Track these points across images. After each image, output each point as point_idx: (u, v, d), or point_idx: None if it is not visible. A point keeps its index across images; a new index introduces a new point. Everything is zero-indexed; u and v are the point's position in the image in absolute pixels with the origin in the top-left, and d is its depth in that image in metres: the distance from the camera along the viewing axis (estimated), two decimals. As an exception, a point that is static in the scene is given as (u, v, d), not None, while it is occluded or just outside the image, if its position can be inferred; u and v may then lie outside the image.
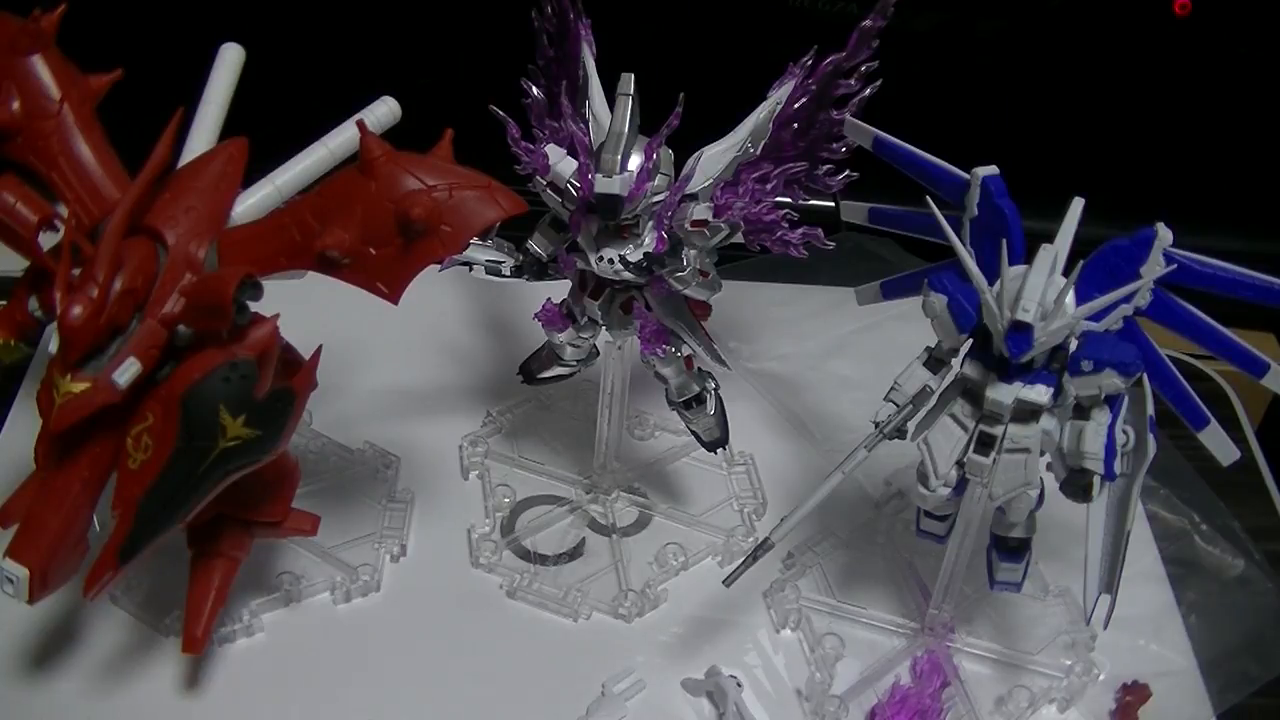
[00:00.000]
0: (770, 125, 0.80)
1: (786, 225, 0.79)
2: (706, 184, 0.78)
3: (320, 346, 0.72)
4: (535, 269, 0.83)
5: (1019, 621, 0.87)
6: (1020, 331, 0.65)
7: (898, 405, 0.73)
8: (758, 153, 0.80)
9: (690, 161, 0.77)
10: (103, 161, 0.72)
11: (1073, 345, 0.69)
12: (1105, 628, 0.73)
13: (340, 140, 0.76)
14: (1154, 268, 0.71)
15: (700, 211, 0.76)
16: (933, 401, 0.74)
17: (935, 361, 0.74)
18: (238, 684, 0.80)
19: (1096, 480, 0.70)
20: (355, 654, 0.82)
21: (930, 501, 0.73)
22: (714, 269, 0.81)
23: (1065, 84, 1.32)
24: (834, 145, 0.82)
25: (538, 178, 0.77)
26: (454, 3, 1.27)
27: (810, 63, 0.80)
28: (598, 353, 0.87)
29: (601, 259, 0.76)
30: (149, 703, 0.78)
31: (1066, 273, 0.67)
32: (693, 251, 0.77)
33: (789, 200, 0.82)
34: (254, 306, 0.67)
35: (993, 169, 0.74)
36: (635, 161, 0.73)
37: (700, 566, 0.90)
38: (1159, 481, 0.98)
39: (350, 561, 0.86)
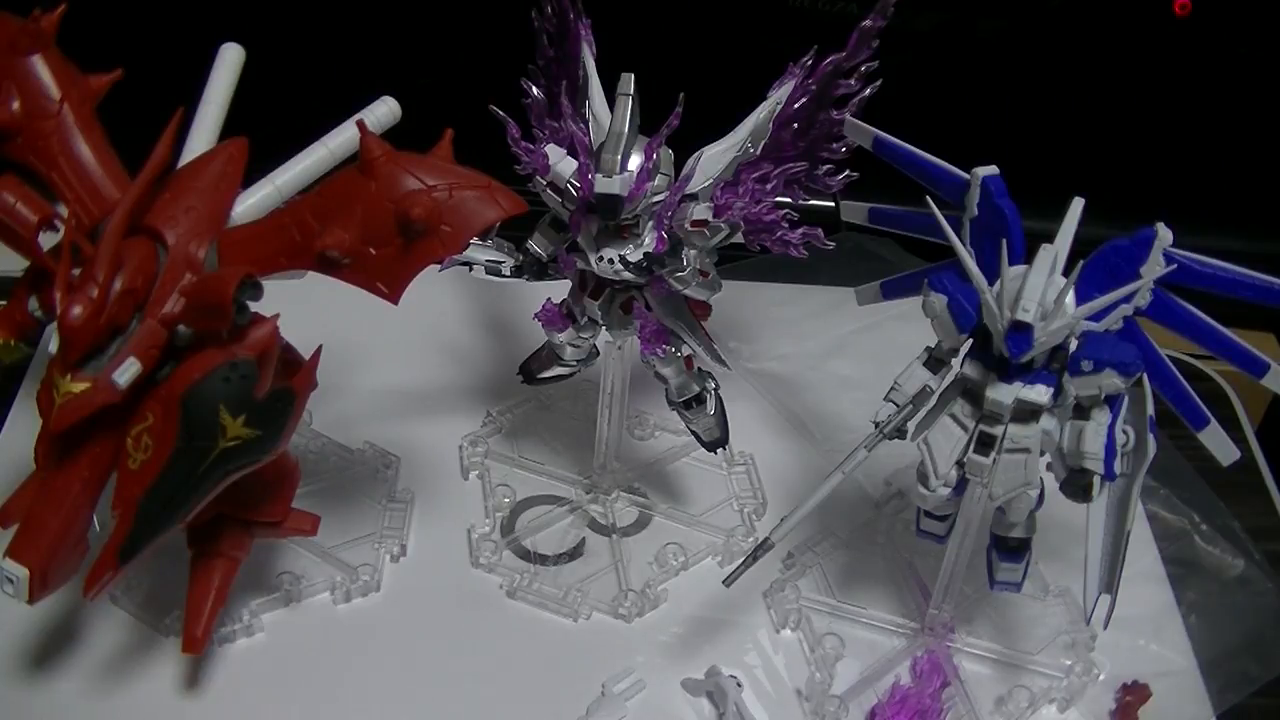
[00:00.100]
0: (770, 125, 0.80)
1: (786, 225, 0.79)
2: (706, 184, 0.78)
3: (320, 346, 0.72)
4: (535, 269, 0.83)
5: (1019, 621, 0.87)
6: (1020, 331, 0.65)
7: (898, 405, 0.73)
8: (758, 153, 0.80)
9: (690, 161, 0.77)
10: (103, 161, 0.72)
11: (1073, 345, 0.69)
12: (1105, 628, 0.73)
13: (340, 140, 0.76)
14: (1154, 268, 0.71)
15: (700, 211, 0.76)
16: (933, 401, 0.74)
17: (935, 361, 0.74)
18: (238, 684, 0.80)
19: (1096, 480, 0.70)
20: (355, 654, 0.82)
21: (930, 501, 0.73)
22: (714, 269, 0.81)
23: (1065, 84, 1.32)
24: (834, 145, 0.82)
25: (538, 178, 0.77)
26: (454, 3, 1.27)
27: (810, 63, 0.80)
28: (598, 353, 0.87)
29: (601, 259, 0.76)
30: (149, 703, 0.78)
31: (1066, 273, 0.67)
32: (693, 251, 0.77)
33: (789, 200, 0.82)
34: (254, 306, 0.67)
35: (993, 169, 0.74)
36: (635, 161, 0.73)
37: (700, 566, 0.90)
38: (1159, 481, 0.98)
39: (350, 561, 0.86)
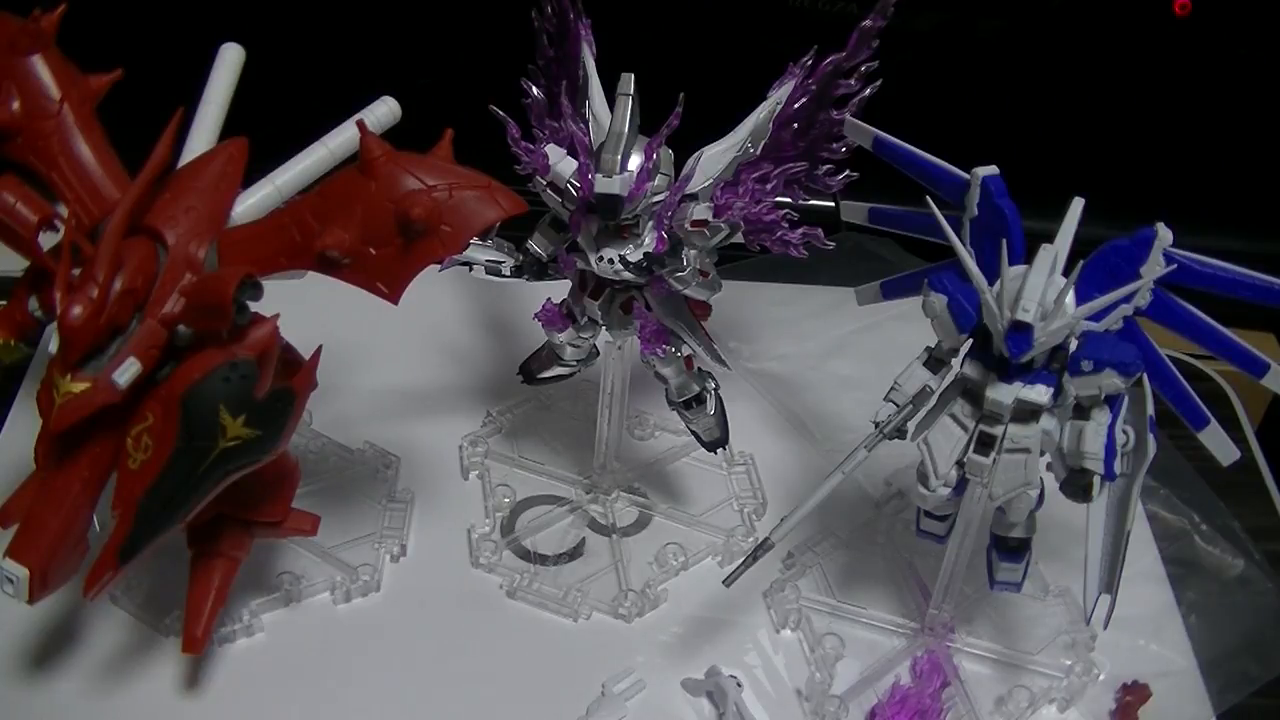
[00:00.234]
0: (770, 125, 0.80)
1: (786, 225, 0.79)
2: (706, 184, 0.78)
3: (320, 346, 0.72)
4: (535, 269, 0.83)
5: (1019, 621, 0.87)
6: (1020, 331, 0.65)
7: (898, 405, 0.73)
8: (758, 153, 0.80)
9: (690, 161, 0.77)
10: (103, 161, 0.72)
11: (1073, 345, 0.69)
12: (1105, 628, 0.73)
13: (340, 140, 0.76)
14: (1154, 268, 0.71)
15: (700, 211, 0.76)
16: (933, 401, 0.74)
17: (935, 361, 0.74)
18: (238, 684, 0.80)
19: (1096, 480, 0.70)
20: (355, 654, 0.82)
21: (930, 501, 0.73)
22: (714, 269, 0.81)
23: (1065, 84, 1.32)
24: (834, 145, 0.82)
25: (538, 178, 0.77)
26: (454, 3, 1.27)
27: (810, 63, 0.80)
28: (598, 353, 0.87)
29: (601, 259, 0.76)
30: (149, 703, 0.78)
31: (1066, 273, 0.67)
32: (693, 251, 0.77)
33: (789, 200, 0.82)
34: (254, 306, 0.67)
35: (993, 169, 0.74)
36: (635, 161, 0.73)
37: (700, 566, 0.90)
38: (1159, 481, 0.98)
39: (350, 561, 0.86)
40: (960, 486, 0.73)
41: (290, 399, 0.69)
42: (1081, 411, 0.70)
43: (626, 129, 0.73)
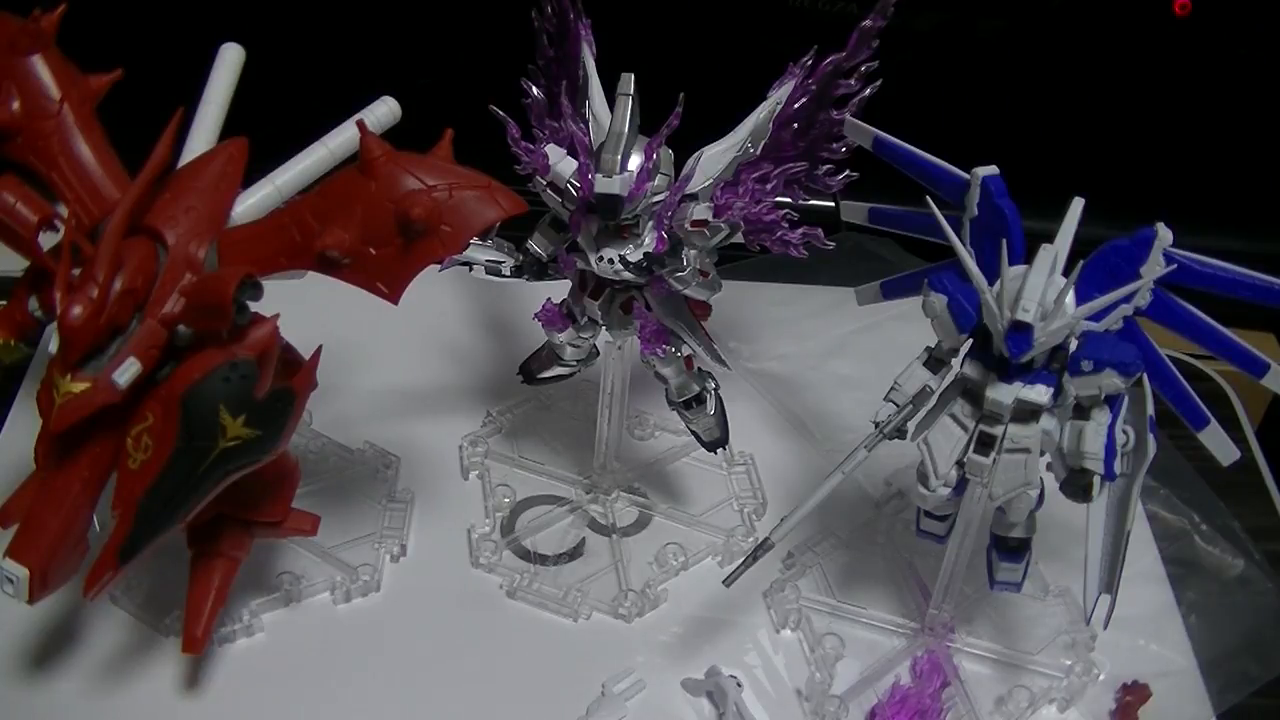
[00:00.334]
0: (770, 125, 0.80)
1: (786, 225, 0.79)
2: (706, 184, 0.78)
3: (320, 346, 0.72)
4: (535, 269, 0.83)
5: (1019, 621, 0.87)
6: (1020, 331, 0.65)
7: (898, 405, 0.73)
8: (758, 153, 0.80)
9: (690, 161, 0.77)
10: (103, 161, 0.72)
11: (1073, 345, 0.69)
12: (1105, 628, 0.73)
13: (340, 140, 0.76)
14: (1154, 268, 0.71)
15: (700, 211, 0.76)
16: (933, 401, 0.74)
17: (935, 361, 0.74)
18: (238, 684, 0.80)
19: (1096, 480, 0.70)
20: (355, 654, 0.82)
21: (930, 501, 0.73)
22: (714, 269, 0.81)
23: (1065, 84, 1.32)
24: (834, 145, 0.82)
25: (538, 178, 0.77)
26: (454, 3, 1.27)
27: (810, 63, 0.80)
28: (598, 353, 0.87)
29: (601, 259, 0.76)
30: (149, 703, 0.78)
31: (1066, 273, 0.67)
32: (693, 251, 0.77)
33: (789, 200, 0.82)
34: (254, 306, 0.67)
35: (993, 169, 0.74)
36: (635, 161, 0.73)
37: (700, 566, 0.90)
38: (1159, 481, 0.98)
39: (350, 561, 0.86)
40: (960, 486, 0.73)
41: (290, 399, 0.69)
42: (1081, 411, 0.70)
43: (626, 129, 0.73)
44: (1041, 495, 0.74)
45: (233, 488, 0.69)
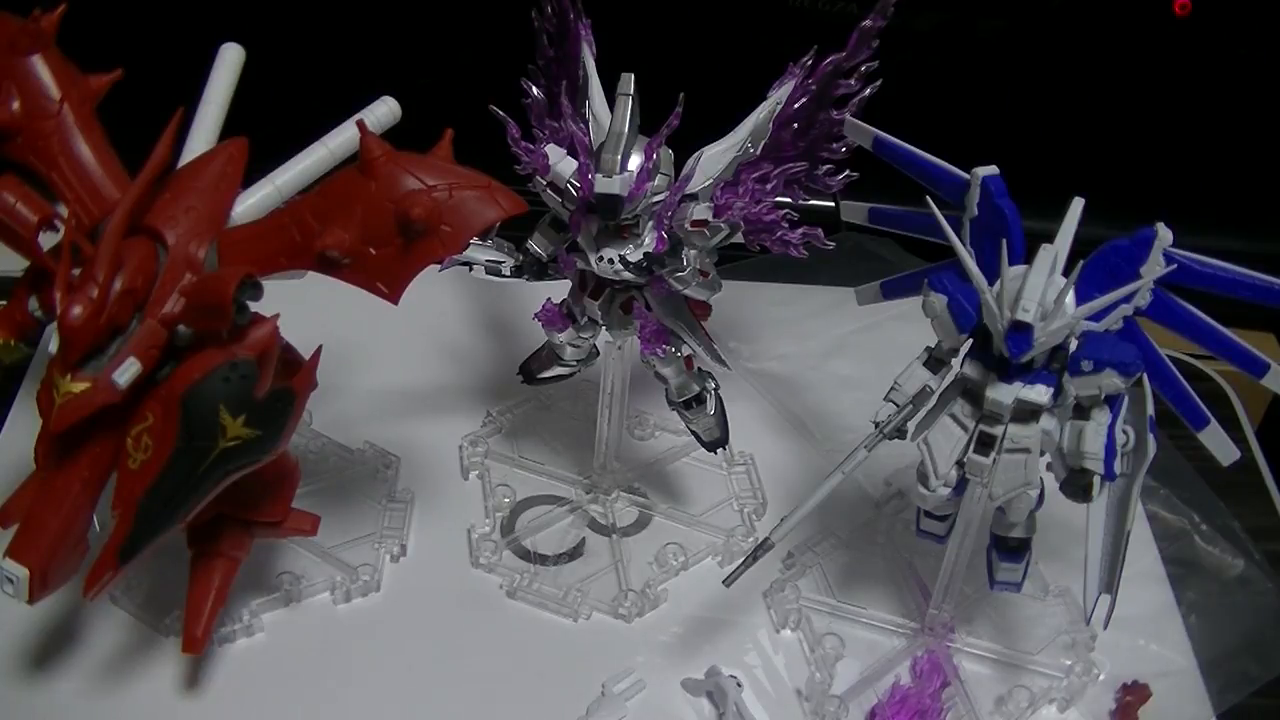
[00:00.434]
0: (770, 125, 0.80)
1: (786, 225, 0.79)
2: (706, 184, 0.78)
3: (320, 346, 0.72)
4: (535, 269, 0.83)
5: (1019, 621, 0.87)
6: (1020, 331, 0.65)
7: (898, 405, 0.73)
8: (758, 153, 0.80)
9: (690, 161, 0.77)
10: (103, 161, 0.72)
11: (1073, 345, 0.69)
12: (1105, 628, 0.73)
13: (340, 140, 0.76)
14: (1154, 268, 0.71)
15: (700, 211, 0.76)
16: (933, 401, 0.74)
17: (935, 361, 0.74)
18: (238, 684, 0.80)
19: (1096, 480, 0.70)
20: (355, 654, 0.82)
21: (930, 501, 0.73)
22: (714, 269, 0.81)
23: (1065, 84, 1.32)
24: (834, 145, 0.82)
25: (538, 178, 0.77)
26: (454, 3, 1.27)
27: (810, 63, 0.80)
28: (598, 353, 0.87)
29: (601, 259, 0.76)
30: (149, 703, 0.78)
31: (1066, 273, 0.67)
32: (693, 251, 0.77)
33: (789, 200, 0.82)
34: (254, 306, 0.67)
35: (993, 169, 0.74)
36: (635, 161, 0.73)
37: (700, 566, 0.90)
38: (1159, 481, 0.98)
39: (350, 561, 0.86)
40: (960, 486, 0.73)
41: (290, 399, 0.69)
42: (1081, 411, 0.70)
43: (626, 129, 0.73)
44: (1041, 495, 0.74)
45: (233, 488, 0.69)
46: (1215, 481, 0.98)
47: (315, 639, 0.83)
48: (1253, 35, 1.29)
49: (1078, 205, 0.72)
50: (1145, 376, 0.73)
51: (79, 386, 0.64)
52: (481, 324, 1.09)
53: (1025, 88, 1.32)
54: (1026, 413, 0.69)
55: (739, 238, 0.79)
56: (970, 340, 0.71)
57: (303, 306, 0.73)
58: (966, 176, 0.75)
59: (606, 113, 0.77)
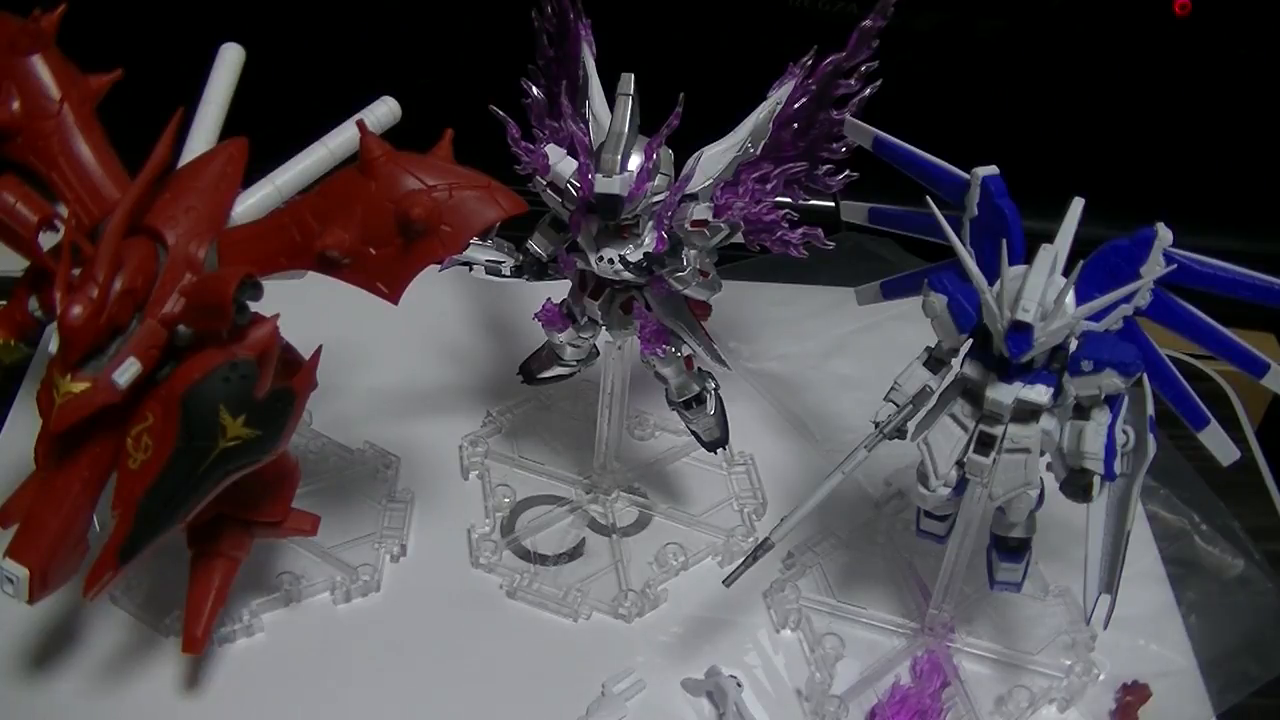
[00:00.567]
0: (770, 125, 0.80)
1: (786, 225, 0.79)
2: (706, 184, 0.78)
3: (320, 346, 0.72)
4: (535, 269, 0.83)
5: (1019, 621, 0.87)
6: (1020, 331, 0.65)
7: (898, 405, 0.73)
8: (758, 153, 0.80)
9: (690, 161, 0.77)
10: (103, 161, 0.72)
11: (1073, 345, 0.69)
12: (1105, 628, 0.73)
13: (340, 140, 0.76)
14: (1154, 268, 0.72)
15: (700, 211, 0.76)
16: (933, 401, 0.74)
17: (935, 361, 0.74)
18: (238, 684, 0.80)
19: (1096, 480, 0.70)
20: (355, 654, 0.82)
21: (930, 501, 0.73)
22: (714, 269, 0.81)
23: (1065, 84, 1.32)
24: (834, 145, 0.82)
25: (538, 178, 0.77)
26: (454, 3, 1.27)
27: (810, 63, 0.80)
28: (598, 353, 0.87)
29: (601, 259, 0.76)
30: (149, 703, 0.78)
31: (1066, 273, 0.67)
32: (693, 251, 0.77)
33: (789, 200, 0.83)
34: (254, 306, 0.67)
35: (993, 169, 0.74)
36: (635, 161, 0.73)
37: (700, 566, 0.90)
38: (1159, 481, 0.98)
39: (350, 561, 0.86)
40: (960, 486, 0.73)
41: (290, 399, 0.69)
42: (1081, 411, 0.70)
43: (626, 129, 0.73)
44: (1041, 495, 0.74)
45: (233, 488, 0.69)
46: (1215, 481, 0.98)
47: (315, 639, 0.83)
48: (1253, 35, 1.29)
49: (1078, 205, 0.72)
50: (1145, 376, 0.73)
51: (79, 386, 0.64)
52: (481, 324, 1.09)
53: (1025, 88, 1.32)
54: (1026, 413, 0.69)
55: (739, 238, 0.79)
56: (970, 340, 0.71)
57: (303, 306, 0.73)
58: (966, 176, 0.74)
59: (606, 113, 0.77)
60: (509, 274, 0.83)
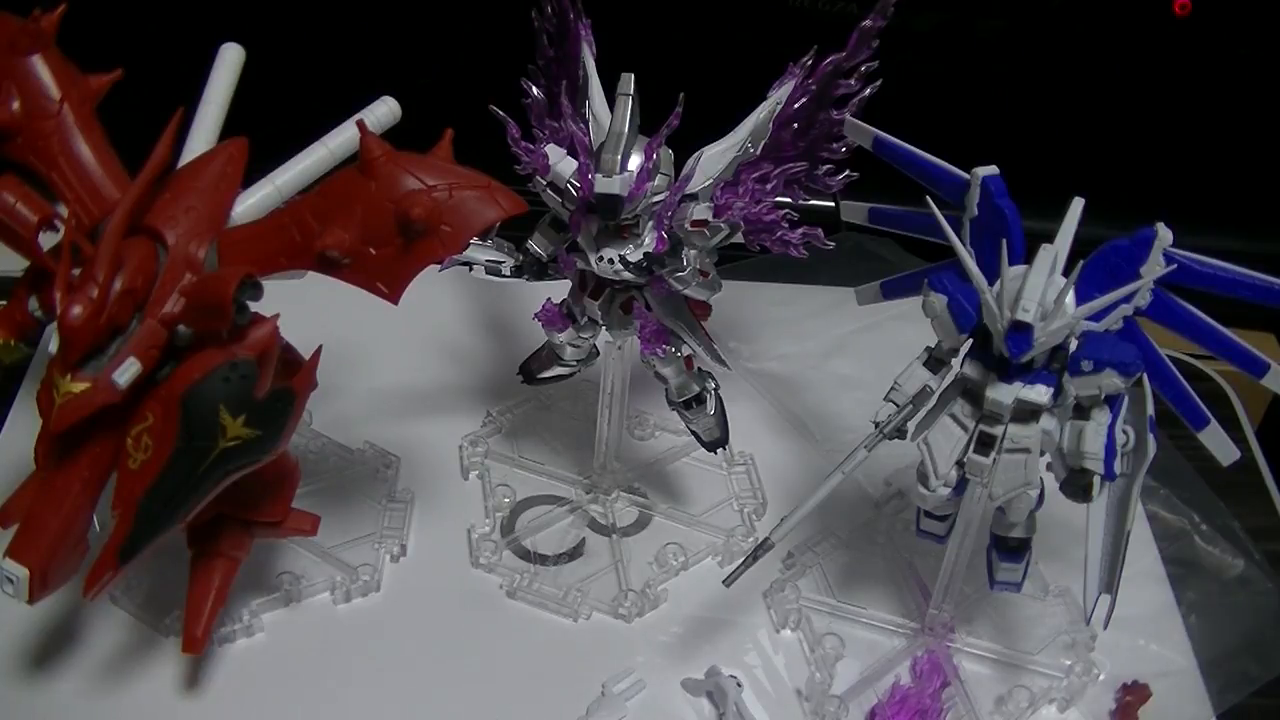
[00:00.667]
0: (770, 125, 0.80)
1: (786, 225, 0.79)
2: (706, 184, 0.78)
3: (320, 346, 0.72)
4: (535, 269, 0.83)
5: (1019, 621, 0.87)
6: (1020, 331, 0.65)
7: (898, 405, 0.73)
8: (758, 153, 0.80)
9: (690, 161, 0.77)
10: (103, 161, 0.72)
11: (1073, 345, 0.69)
12: (1105, 628, 0.73)
13: (340, 140, 0.76)
14: (1154, 268, 0.72)
15: (700, 211, 0.76)
16: (933, 401, 0.74)
17: (935, 361, 0.74)
18: (238, 684, 0.80)
19: (1096, 480, 0.70)
20: (355, 654, 0.82)
21: (930, 501, 0.73)
22: (714, 269, 0.81)
23: (1065, 84, 1.32)
24: (834, 145, 0.82)
25: (538, 178, 0.77)
26: (454, 3, 1.27)
27: (810, 63, 0.80)
28: (598, 353, 0.87)
29: (601, 259, 0.76)
30: (149, 703, 0.78)
31: (1066, 273, 0.67)
32: (693, 251, 0.77)
33: (789, 200, 0.83)
34: (254, 306, 0.67)
35: (993, 169, 0.74)
36: (635, 161, 0.73)
37: (700, 566, 0.90)
38: (1159, 481, 0.98)
39: (350, 561, 0.86)
40: (960, 486, 0.73)
41: (290, 399, 0.69)
42: (1081, 411, 0.70)
43: (626, 129, 0.73)
44: (1041, 495, 0.74)
45: (233, 488, 0.69)
46: (1215, 481, 0.98)
47: (315, 639, 0.83)
48: (1253, 35, 1.29)
49: (1078, 205, 0.72)
50: (1145, 376, 0.73)
51: (79, 386, 0.64)
52: (481, 324, 1.09)
53: (1025, 88, 1.32)
54: (1026, 413, 0.69)
55: (739, 238, 0.79)
56: (970, 340, 0.71)
57: (303, 306, 0.73)
58: (966, 176, 0.74)
59: (606, 113, 0.77)
60: (509, 274, 0.83)
